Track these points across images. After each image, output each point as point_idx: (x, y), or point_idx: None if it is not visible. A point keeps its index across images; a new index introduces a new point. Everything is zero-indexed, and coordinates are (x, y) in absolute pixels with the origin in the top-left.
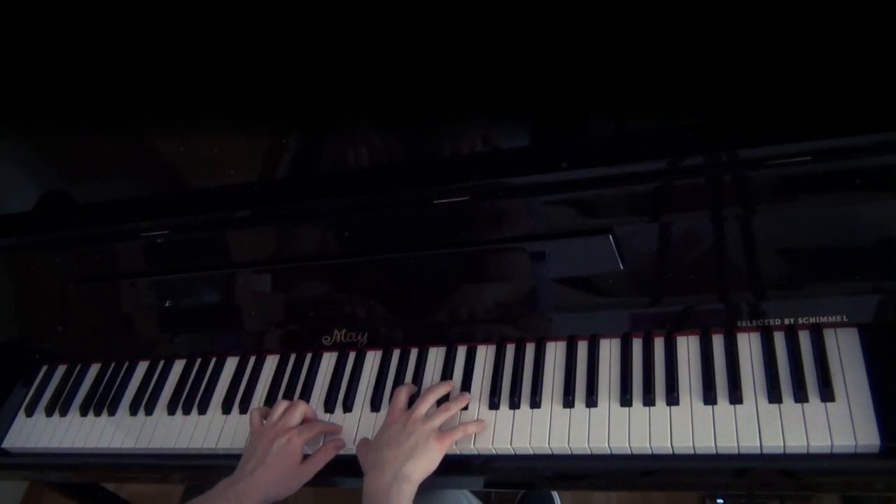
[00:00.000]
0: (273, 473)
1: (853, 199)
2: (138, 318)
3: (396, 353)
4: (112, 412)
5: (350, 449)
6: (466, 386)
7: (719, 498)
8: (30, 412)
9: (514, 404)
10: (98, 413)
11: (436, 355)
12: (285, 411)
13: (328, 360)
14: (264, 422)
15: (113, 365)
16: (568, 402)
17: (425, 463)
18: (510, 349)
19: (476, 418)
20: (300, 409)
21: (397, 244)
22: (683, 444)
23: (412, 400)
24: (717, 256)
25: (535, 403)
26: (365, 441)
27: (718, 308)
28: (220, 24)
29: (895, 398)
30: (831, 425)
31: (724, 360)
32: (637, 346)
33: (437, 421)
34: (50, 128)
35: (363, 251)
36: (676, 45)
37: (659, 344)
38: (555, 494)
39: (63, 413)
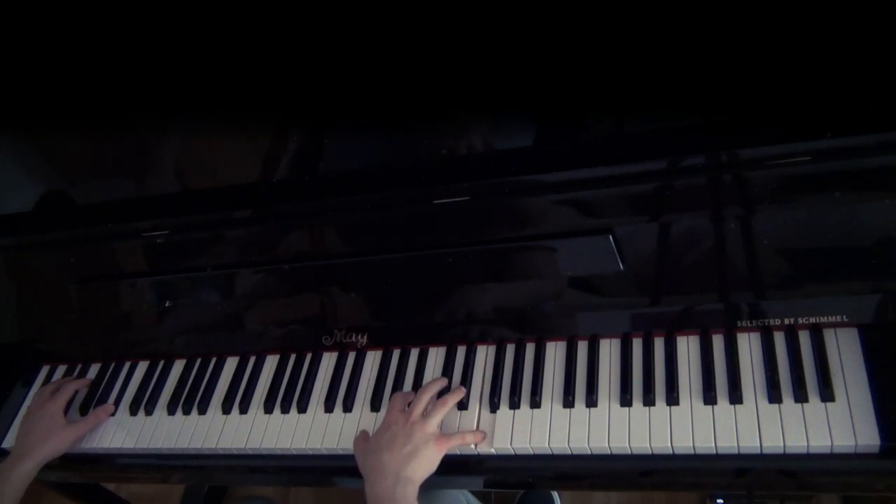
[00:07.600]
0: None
1: (853, 200)
2: (138, 318)
3: (396, 353)
4: (112, 412)
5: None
6: (466, 386)
7: (719, 498)
8: None
9: (514, 404)
10: None
11: (436, 355)
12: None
13: (328, 360)
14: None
15: (113, 365)
16: (568, 402)
17: (426, 465)
18: (510, 349)
19: (476, 418)
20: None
21: (397, 244)
22: (683, 444)
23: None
24: (717, 256)
25: (535, 403)
26: (364, 435)
27: (718, 308)
28: (220, 23)
29: (895, 398)
30: (831, 425)
31: (724, 360)
32: (637, 346)
33: (436, 420)
34: (50, 128)
35: (363, 251)
36: (676, 45)
37: (659, 344)
38: (555, 494)
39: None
